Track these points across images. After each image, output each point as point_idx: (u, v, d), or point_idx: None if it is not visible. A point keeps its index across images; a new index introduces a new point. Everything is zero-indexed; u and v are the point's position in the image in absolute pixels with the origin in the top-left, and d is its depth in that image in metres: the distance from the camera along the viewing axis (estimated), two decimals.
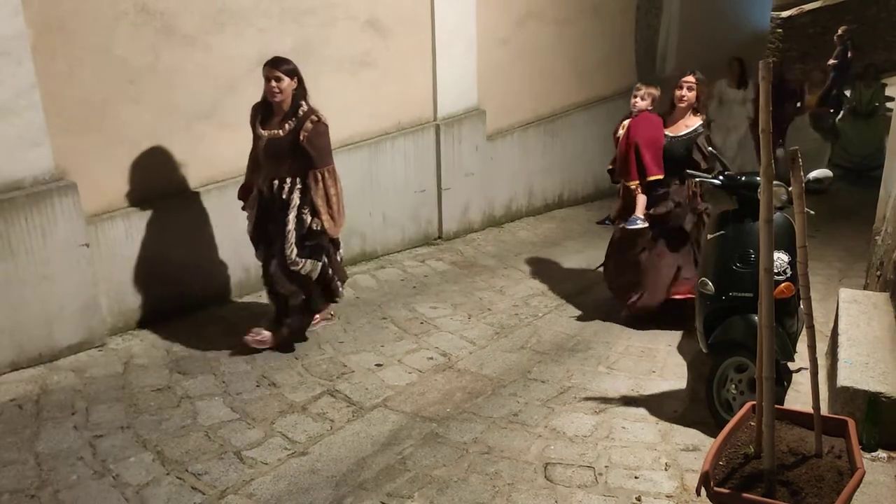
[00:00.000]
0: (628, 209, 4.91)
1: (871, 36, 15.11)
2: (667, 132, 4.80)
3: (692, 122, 4.78)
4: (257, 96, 4.99)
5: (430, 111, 6.29)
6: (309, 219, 4.11)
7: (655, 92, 4.95)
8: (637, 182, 4.80)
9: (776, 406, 2.53)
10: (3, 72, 3.79)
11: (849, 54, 12.62)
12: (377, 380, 4.10)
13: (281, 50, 5.07)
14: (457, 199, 6.60)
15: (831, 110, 10.44)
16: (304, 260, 4.17)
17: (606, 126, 8.29)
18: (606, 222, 5.27)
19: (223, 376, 4.07)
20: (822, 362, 3.99)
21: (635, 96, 4.94)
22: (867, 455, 3.15)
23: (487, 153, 6.82)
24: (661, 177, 4.77)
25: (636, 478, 3.20)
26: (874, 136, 9.94)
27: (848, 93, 10.81)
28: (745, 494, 2.39)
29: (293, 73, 4.11)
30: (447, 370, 4.26)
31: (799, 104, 9.82)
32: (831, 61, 12.72)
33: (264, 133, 4.16)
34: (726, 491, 2.42)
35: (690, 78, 4.81)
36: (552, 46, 7.39)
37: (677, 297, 4.84)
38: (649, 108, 4.90)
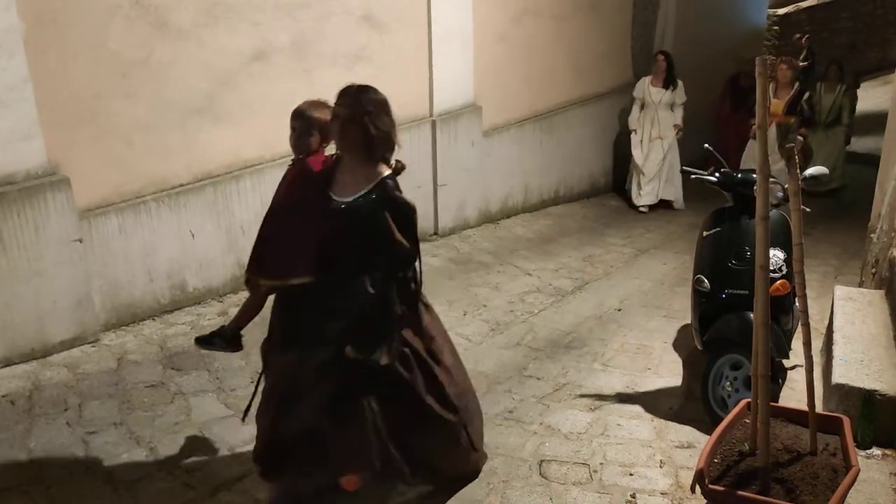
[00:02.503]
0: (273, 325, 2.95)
1: (866, 33, 15.13)
2: (332, 194, 2.77)
3: (373, 174, 2.72)
4: (252, 91, 4.99)
5: (426, 107, 6.26)
6: None
7: (324, 115, 2.87)
8: (268, 280, 2.91)
9: (771, 403, 2.53)
10: None
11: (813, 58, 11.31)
12: None
13: (276, 44, 5.07)
14: (453, 195, 6.58)
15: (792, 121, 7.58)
16: None
17: (603, 123, 8.34)
18: (213, 340, 3.24)
19: (217, 372, 4.06)
20: (818, 360, 3.99)
21: (293, 129, 2.97)
22: (862, 453, 3.15)
23: (484, 149, 6.80)
24: (291, 282, 2.79)
25: (631, 475, 3.20)
26: (833, 150, 8.63)
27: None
28: (739, 492, 2.39)
29: None
30: None
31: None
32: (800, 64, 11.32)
33: None
34: (721, 488, 2.42)
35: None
36: (549, 43, 7.37)
37: (345, 486, 2.91)
38: (315, 146, 2.96)
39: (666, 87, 7.88)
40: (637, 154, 8.04)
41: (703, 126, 8.56)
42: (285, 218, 2.87)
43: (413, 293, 2.92)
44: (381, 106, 2.74)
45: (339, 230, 2.76)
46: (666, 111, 7.95)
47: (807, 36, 12.26)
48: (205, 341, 3.24)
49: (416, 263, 2.94)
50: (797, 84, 7.46)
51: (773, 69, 7.11)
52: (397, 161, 2.84)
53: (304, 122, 2.96)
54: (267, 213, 2.95)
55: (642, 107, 7.98)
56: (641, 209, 8.10)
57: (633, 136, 8.07)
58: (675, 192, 8.17)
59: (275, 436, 2.84)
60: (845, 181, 8.86)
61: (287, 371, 2.82)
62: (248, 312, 3.15)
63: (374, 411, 2.76)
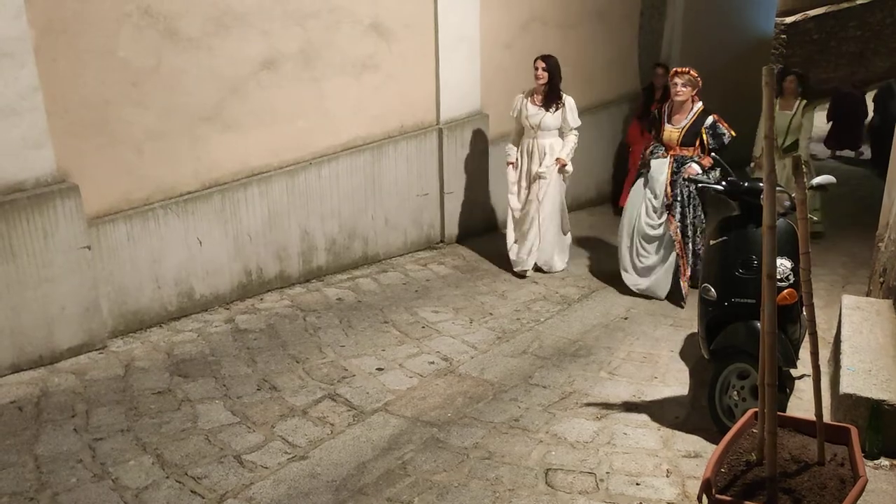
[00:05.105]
0: None
1: (875, 42, 15.11)
2: None
3: None
4: (261, 99, 5.02)
5: (433, 115, 6.29)
6: None
7: None
8: None
9: (778, 413, 2.52)
10: (5, 73, 3.80)
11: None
12: (378, 384, 4.09)
13: (285, 52, 5.10)
14: (459, 202, 6.59)
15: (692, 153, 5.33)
16: None
17: (609, 131, 8.34)
18: None
19: (224, 379, 4.07)
20: (825, 369, 3.98)
21: None
22: (870, 463, 3.14)
23: (490, 157, 6.82)
24: None
25: (637, 484, 3.19)
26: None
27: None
28: (746, 502, 2.38)
29: None
30: (448, 375, 4.24)
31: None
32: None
33: None
34: (728, 498, 2.41)
35: None
36: (556, 51, 7.34)
37: None
38: None
39: (547, 106, 5.54)
40: (512, 198, 5.75)
41: None
42: None
43: None
44: None
45: None
46: (551, 138, 5.57)
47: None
48: None
49: None
50: (699, 105, 5.27)
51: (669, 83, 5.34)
52: None
53: None
54: None
55: (520, 134, 5.72)
56: (517, 271, 5.80)
57: (509, 171, 5.76)
58: (550, 252, 5.83)
59: None
60: (819, 227, 7.08)
61: None
62: None
63: None
